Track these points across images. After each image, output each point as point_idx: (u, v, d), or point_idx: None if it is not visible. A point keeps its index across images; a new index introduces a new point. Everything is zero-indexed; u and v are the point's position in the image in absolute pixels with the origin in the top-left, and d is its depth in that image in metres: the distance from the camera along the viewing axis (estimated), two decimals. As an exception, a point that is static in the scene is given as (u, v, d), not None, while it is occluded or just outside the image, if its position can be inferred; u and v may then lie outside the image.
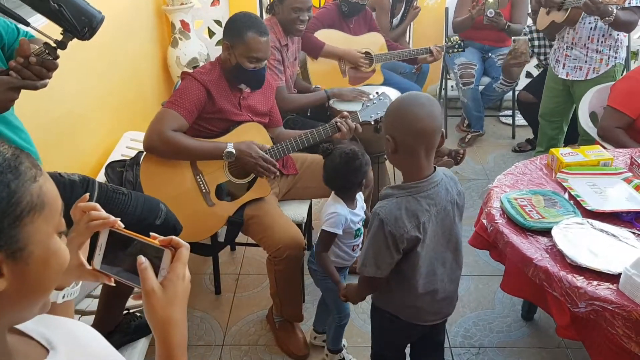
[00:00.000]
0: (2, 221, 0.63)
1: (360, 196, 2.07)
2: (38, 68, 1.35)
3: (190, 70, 2.29)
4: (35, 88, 1.38)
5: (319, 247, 1.99)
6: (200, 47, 4.25)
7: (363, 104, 2.46)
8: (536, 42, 3.71)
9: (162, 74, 4.21)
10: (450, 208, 1.57)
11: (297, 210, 2.47)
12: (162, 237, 0.87)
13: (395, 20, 4.04)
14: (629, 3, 2.80)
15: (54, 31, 1.41)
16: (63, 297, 0.91)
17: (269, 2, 2.98)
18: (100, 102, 2.90)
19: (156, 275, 0.83)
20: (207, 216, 2.24)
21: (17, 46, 1.45)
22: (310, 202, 2.65)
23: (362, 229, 2.04)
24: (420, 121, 1.46)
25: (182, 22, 4.12)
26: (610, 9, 2.70)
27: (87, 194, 0.98)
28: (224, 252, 2.83)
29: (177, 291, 0.83)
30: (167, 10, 4.11)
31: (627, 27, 2.92)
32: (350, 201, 2.00)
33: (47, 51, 1.37)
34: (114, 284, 0.91)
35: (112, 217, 0.91)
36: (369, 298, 1.81)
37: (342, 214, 1.96)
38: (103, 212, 0.92)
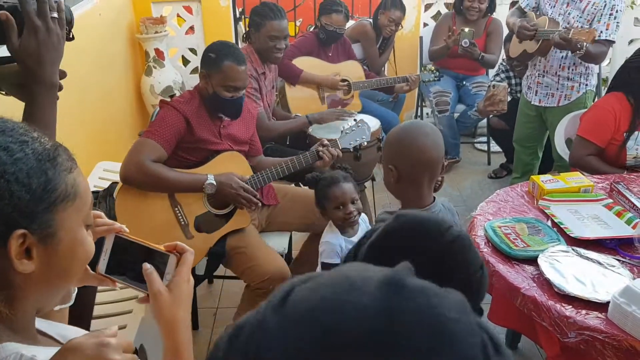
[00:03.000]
0: (38, 206, 0.68)
1: (364, 221, 2.03)
2: None
3: (168, 99, 2.24)
4: None
5: None
6: (175, 75, 4.21)
7: (342, 132, 2.45)
8: (513, 81, 3.79)
9: (136, 103, 4.15)
10: None
11: (277, 241, 2.42)
12: (167, 243, 0.92)
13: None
14: (599, 36, 2.86)
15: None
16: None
17: (244, 31, 2.97)
18: (73, 131, 2.82)
19: (162, 278, 0.88)
20: None
21: None
22: (291, 233, 2.60)
23: None
24: (427, 151, 1.46)
25: (157, 50, 4.09)
26: (580, 45, 2.76)
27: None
28: (201, 286, 2.75)
29: (182, 293, 0.88)
30: (141, 38, 4.07)
31: (597, 59, 2.98)
32: (345, 229, 1.97)
33: None
34: (118, 288, 0.95)
35: (117, 224, 0.94)
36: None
37: (334, 243, 1.93)
38: (108, 220, 0.95)
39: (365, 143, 2.48)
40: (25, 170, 0.67)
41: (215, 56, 2.15)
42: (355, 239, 1.96)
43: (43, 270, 0.70)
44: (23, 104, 1.15)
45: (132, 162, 2.04)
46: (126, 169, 2.05)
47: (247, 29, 2.90)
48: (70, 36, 1.14)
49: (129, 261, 0.90)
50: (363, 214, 2.06)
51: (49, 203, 0.69)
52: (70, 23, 1.14)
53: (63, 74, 1.28)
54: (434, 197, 1.55)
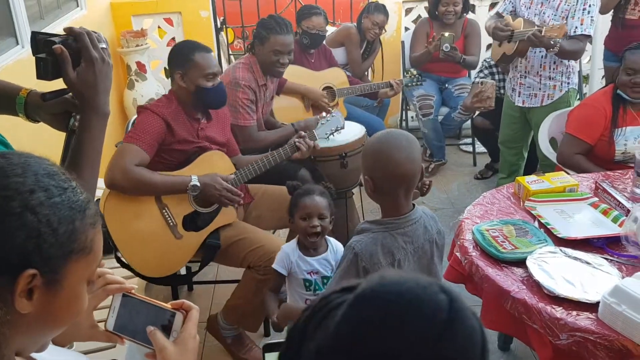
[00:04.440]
0: (57, 251, 0.70)
1: (334, 249, 1.96)
2: None
3: (147, 104, 2.27)
4: None
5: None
6: (158, 87, 4.19)
7: (318, 123, 2.52)
8: (496, 77, 3.82)
9: (119, 117, 4.11)
10: (429, 247, 1.54)
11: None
12: (173, 302, 0.95)
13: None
14: (574, 32, 2.89)
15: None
16: None
17: (249, 41, 2.96)
18: (56, 146, 2.78)
19: (168, 335, 0.91)
20: (176, 249, 2.22)
21: None
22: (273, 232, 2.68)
23: (320, 285, 1.91)
24: (401, 166, 1.44)
25: (138, 63, 4.06)
26: (552, 42, 2.78)
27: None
28: (181, 293, 2.77)
29: (188, 348, 0.91)
30: (122, 52, 4.04)
31: (574, 55, 3.01)
32: (306, 245, 1.92)
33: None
34: (126, 345, 0.98)
35: (128, 284, 0.98)
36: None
37: (286, 252, 1.92)
38: (118, 277, 0.98)
39: (341, 131, 2.59)
40: (58, 215, 0.70)
41: (185, 53, 2.22)
42: (313, 261, 1.91)
43: (36, 314, 0.71)
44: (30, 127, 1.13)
45: (116, 167, 2.05)
46: (111, 174, 2.06)
47: (252, 39, 2.88)
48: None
49: (137, 319, 0.93)
50: (337, 243, 1.99)
51: (68, 251, 0.71)
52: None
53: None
54: (414, 205, 1.54)
